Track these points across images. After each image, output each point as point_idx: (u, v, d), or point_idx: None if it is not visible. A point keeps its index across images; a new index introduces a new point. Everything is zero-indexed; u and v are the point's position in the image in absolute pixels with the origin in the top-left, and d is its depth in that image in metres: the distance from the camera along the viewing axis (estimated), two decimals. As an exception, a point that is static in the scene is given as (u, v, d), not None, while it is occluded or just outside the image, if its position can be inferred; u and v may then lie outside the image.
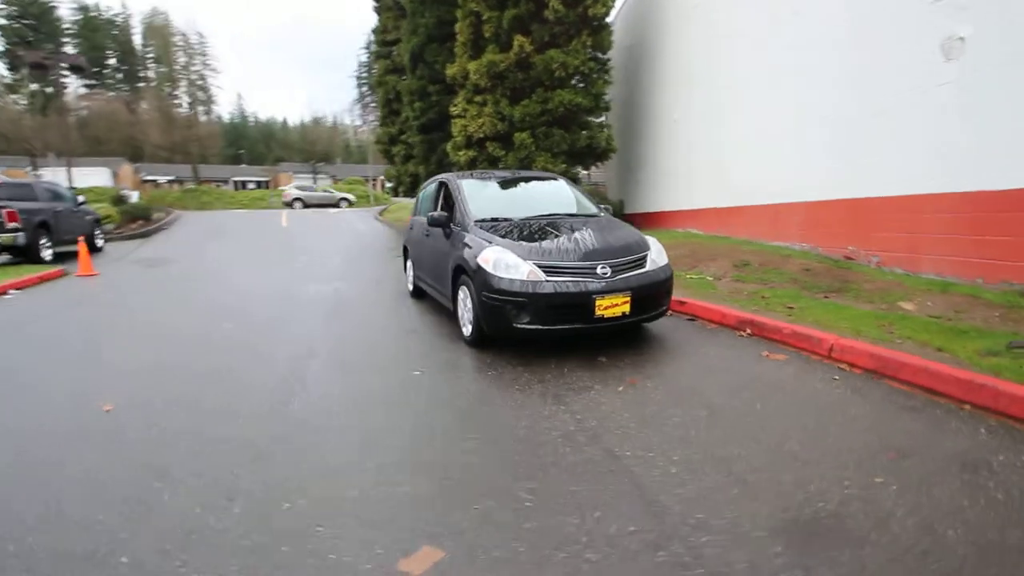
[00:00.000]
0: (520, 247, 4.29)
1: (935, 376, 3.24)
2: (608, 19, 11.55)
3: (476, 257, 4.38)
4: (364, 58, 49.28)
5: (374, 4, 19.59)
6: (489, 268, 4.22)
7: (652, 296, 4.33)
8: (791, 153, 7.69)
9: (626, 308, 4.15)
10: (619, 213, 14.05)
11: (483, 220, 4.90)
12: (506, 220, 4.96)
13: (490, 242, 4.43)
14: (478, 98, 12.07)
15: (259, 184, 53.29)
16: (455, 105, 12.57)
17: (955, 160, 5.39)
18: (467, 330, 4.68)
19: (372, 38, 20.37)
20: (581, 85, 11.65)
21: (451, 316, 5.74)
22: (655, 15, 11.85)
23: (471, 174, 5.92)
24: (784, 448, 2.72)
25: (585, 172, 13.67)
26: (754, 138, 8.40)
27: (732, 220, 9.09)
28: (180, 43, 55.47)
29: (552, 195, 5.66)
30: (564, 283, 4.07)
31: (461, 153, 12.23)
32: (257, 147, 66.99)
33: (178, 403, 3.52)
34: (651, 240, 4.74)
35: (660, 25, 11.68)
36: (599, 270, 4.17)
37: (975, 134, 5.21)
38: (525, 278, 4.08)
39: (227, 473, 2.61)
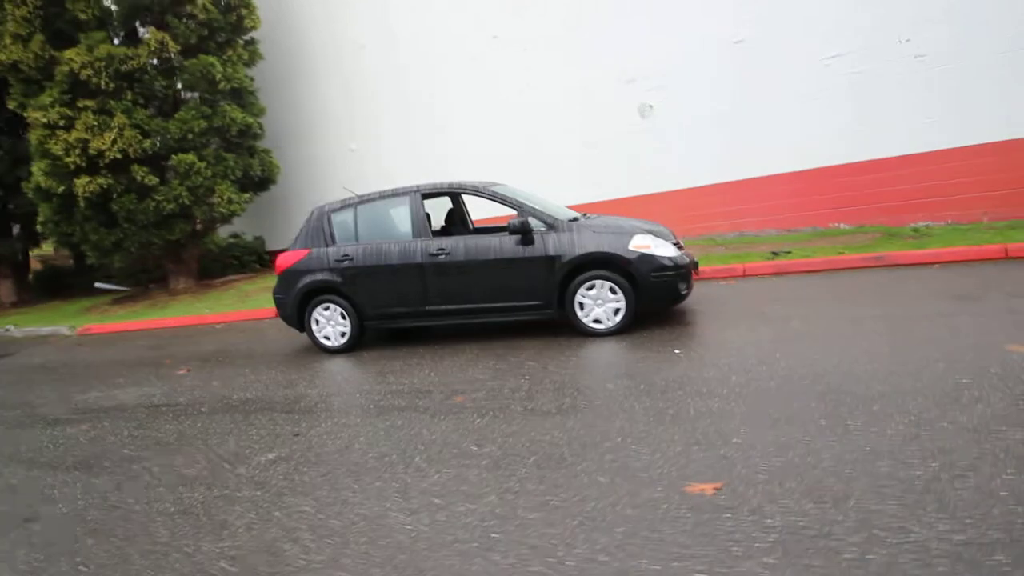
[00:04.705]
0: (647, 232, 4.82)
1: (811, 264, 6.38)
2: (256, 34, 10.29)
3: (628, 246, 4.59)
4: None
5: None
6: (652, 251, 4.60)
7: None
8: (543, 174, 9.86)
9: (688, 272, 5.47)
10: (260, 251, 12.65)
11: (571, 219, 4.92)
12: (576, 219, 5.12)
13: (627, 232, 4.70)
14: (89, 102, 8.29)
15: None
16: (38, 110, 8.05)
17: (662, 174, 9.06)
18: (603, 325, 4.71)
19: None
20: (239, 103, 9.90)
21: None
22: (314, 48, 11.28)
23: (463, 184, 5.23)
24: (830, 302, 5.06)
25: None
26: (491, 161, 10.13)
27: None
28: None
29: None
30: (685, 255, 4.99)
31: (81, 181, 8.03)
32: None
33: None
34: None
35: (324, 59, 11.25)
36: (679, 244, 5.28)
37: (661, 159, 9.03)
38: (677, 253, 4.76)
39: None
